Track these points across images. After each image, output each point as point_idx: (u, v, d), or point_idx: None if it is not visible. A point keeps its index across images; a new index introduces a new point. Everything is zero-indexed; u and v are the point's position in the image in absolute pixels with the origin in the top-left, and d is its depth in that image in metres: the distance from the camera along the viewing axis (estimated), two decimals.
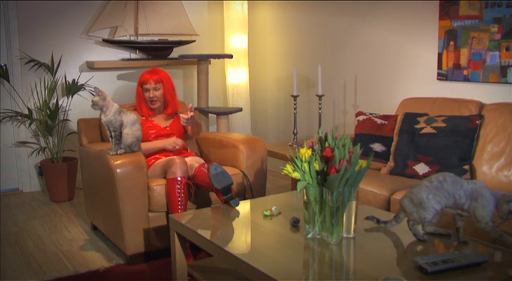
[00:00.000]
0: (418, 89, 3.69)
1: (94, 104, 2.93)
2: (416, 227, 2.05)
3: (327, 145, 2.05)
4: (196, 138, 3.65)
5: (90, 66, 4.67)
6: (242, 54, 5.11)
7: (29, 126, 4.46)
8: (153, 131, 3.28)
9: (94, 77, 4.68)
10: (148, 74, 3.30)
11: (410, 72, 3.77)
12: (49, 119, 4.37)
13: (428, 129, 3.12)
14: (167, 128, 3.32)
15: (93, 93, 4.46)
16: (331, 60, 4.45)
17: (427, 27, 3.58)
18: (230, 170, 3.07)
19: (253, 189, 3.23)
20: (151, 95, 3.29)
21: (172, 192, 2.88)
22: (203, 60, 4.63)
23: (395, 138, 3.27)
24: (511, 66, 3.10)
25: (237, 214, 2.56)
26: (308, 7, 4.69)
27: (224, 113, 4.47)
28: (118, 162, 2.86)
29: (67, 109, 4.53)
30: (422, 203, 2.01)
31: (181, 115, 3.16)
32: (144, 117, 3.31)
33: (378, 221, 2.18)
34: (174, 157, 3.05)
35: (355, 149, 2.05)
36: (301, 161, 2.06)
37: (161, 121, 3.34)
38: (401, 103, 3.57)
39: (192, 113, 3.15)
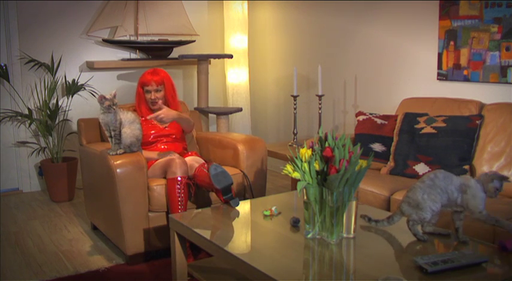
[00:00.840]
0: (418, 89, 3.69)
1: (114, 104, 2.90)
2: (416, 228, 2.06)
3: (327, 145, 2.05)
4: (196, 138, 3.64)
5: (90, 66, 4.67)
6: (242, 54, 5.11)
7: (29, 126, 4.46)
8: (152, 132, 3.28)
9: (94, 77, 4.68)
10: (149, 76, 3.28)
11: (410, 72, 3.77)
12: (49, 119, 4.37)
13: (428, 130, 3.12)
14: (166, 128, 3.32)
15: (93, 94, 4.49)
16: (331, 60, 4.45)
17: (427, 27, 3.58)
18: (230, 170, 3.07)
19: (253, 189, 3.23)
20: (153, 97, 3.27)
21: (172, 192, 2.88)
22: (203, 60, 4.63)
23: (395, 139, 3.27)
24: (511, 66, 3.10)
25: (237, 214, 2.56)
26: (308, 7, 4.69)
27: (224, 113, 4.47)
28: (118, 162, 2.86)
29: (67, 109, 4.53)
30: (419, 205, 2.03)
31: (158, 116, 3.04)
32: (143, 118, 3.31)
33: (370, 219, 2.18)
34: (174, 156, 3.05)
35: (355, 149, 2.05)
36: (301, 161, 2.06)
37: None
38: (401, 103, 3.57)
39: (160, 112, 3.05)
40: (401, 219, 2.13)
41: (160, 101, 3.26)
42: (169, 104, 3.35)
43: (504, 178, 1.99)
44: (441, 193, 2.02)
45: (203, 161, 3.10)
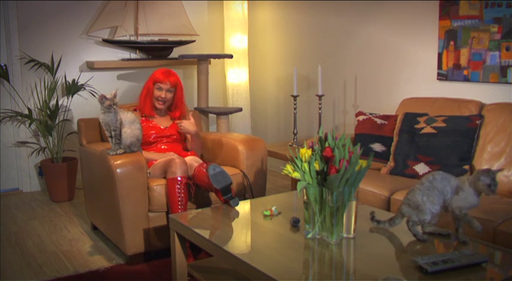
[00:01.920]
0: (418, 89, 3.69)
1: (115, 104, 2.90)
2: (415, 228, 2.06)
3: (327, 144, 2.05)
4: None
5: (90, 66, 4.67)
6: (242, 54, 5.11)
7: (29, 126, 4.46)
8: (152, 132, 3.28)
9: (94, 77, 4.68)
10: (165, 75, 3.28)
11: (410, 72, 3.77)
12: (49, 119, 4.37)
13: (428, 129, 3.12)
14: (167, 128, 3.32)
15: (93, 94, 4.49)
16: (331, 60, 4.45)
17: (427, 27, 3.58)
18: (230, 170, 3.07)
19: (253, 189, 3.23)
20: (163, 96, 3.28)
21: (172, 192, 2.88)
22: (203, 60, 4.63)
23: (395, 139, 3.27)
24: (511, 66, 3.10)
25: (237, 214, 2.56)
26: (308, 7, 4.69)
27: (224, 113, 4.47)
28: (118, 162, 2.86)
29: (67, 109, 4.53)
30: (419, 207, 2.04)
31: (178, 121, 3.27)
32: (144, 117, 3.31)
33: (373, 217, 2.19)
34: (174, 156, 3.05)
35: (355, 149, 2.05)
36: (301, 161, 2.06)
37: (161, 122, 3.34)
38: (401, 103, 3.57)
39: (190, 120, 3.27)
40: (402, 221, 2.14)
41: (191, 117, 3.32)
42: (177, 107, 3.37)
43: (489, 172, 1.98)
44: (438, 195, 2.03)
45: (202, 161, 3.10)
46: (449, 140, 3.03)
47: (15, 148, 4.57)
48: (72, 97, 4.48)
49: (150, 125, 3.30)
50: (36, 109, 4.52)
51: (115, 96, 2.92)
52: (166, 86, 3.27)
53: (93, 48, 4.77)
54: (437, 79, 3.54)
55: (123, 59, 4.82)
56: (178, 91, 3.35)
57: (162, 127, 3.32)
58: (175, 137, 3.34)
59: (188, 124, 3.27)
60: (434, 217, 2.06)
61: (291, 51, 4.97)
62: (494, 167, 2.90)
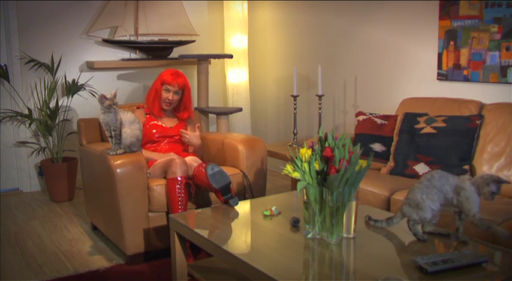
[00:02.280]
0: (418, 89, 3.69)
1: (115, 104, 2.90)
2: (416, 227, 2.06)
3: (327, 144, 2.05)
4: None
5: (90, 66, 4.67)
6: (242, 54, 5.11)
7: (29, 126, 4.46)
8: (154, 131, 3.29)
9: (94, 77, 4.68)
10: (173, 76, 3.28)
11: (410, 72, 3.77)
12: (49, 119, 4.37)
13: (428, 129, 3.12)
14: (171, 128, 3.33)
15: (93, 94, 4.49)
16: (331, 60, 4.45)
17: (427, 27, 3.58)
18: (230, 170, 3.08)
19: (253, 189, 3.23)
20: (170, 98, 3.28)
21: (172, 192, 2.88)
22: (203, 60, 4.63)
23: (395, 139, 3.27)
24: (511, 66, 3.10)
25: (237, 214, 2.56)
26: (308, 7, 4.69)
27: (224, 113, 4.47)
28: (118, 162, 2.86)
29: (67, 109, 4.53)
30: (419, 205, 2.04)
31: (184, 132, 3.27)
32: (148, 116, 3.32)
33: (370, 218, 2.19)
34: (174, 156, 3.06)
35: (355, 149, 2.05)
36: (301, 161, 2.06)
37: (167, 122, 3.35)
38: (401, 103, 3.57)
39: (195, 133, 3.30)
40: (400, 220, 2.14)
41: (197, 129, 3.34)
42: (185, 108, 3.38)
43: (500, 181, 1.98)
44: (438, 193, 2.03)
45: (201, 162, 3.10)
46: (449, 140, 3.03)
47: (15, 148, 4.57)
48: (72, 97, 4.48)
49: (154, 124, 3.31)
50: (36, 109, 4.52)
51: (115, 96, 2.92)
52: (174, 88, 3.28)
53: (93, 48, 4.77)
54: (437, 79, 3.54)
55: (123, 59, 4.82)
56: (186, 93, 3.36)
57: (166, 127, 3.32)
58: (177, 137, 3.34)
59: (193, 137, 3.28)
60: (434, 215, 2.05)
61: (291, 51, 4.97)
62: (494, 167, 2.90)
